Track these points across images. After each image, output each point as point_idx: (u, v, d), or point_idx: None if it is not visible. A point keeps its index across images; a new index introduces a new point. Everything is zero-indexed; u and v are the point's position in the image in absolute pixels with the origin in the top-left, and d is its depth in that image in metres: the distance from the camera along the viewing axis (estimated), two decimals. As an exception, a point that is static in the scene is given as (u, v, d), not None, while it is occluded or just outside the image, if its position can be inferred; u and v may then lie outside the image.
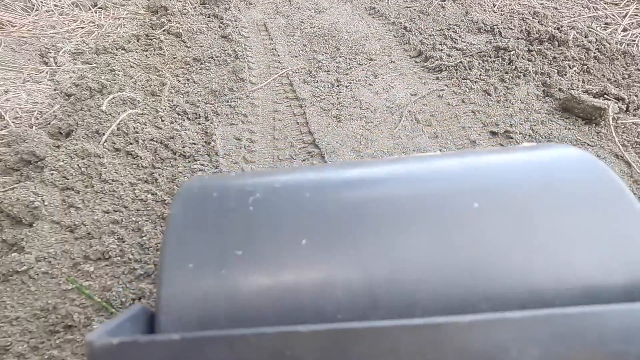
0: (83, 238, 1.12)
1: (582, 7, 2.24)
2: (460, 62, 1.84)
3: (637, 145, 1.36)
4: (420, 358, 0.29)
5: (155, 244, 1.12)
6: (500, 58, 1.85)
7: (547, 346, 0.29)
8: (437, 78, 1.81)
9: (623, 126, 1.44)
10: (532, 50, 1.86)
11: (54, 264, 1.05)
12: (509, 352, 0.29)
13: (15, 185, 1.23)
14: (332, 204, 0.39)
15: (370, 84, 1.79)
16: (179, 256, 0.35)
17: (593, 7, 2.23)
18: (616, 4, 2.25)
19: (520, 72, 1.75)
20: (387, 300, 0.33)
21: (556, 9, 2.24)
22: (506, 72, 1.77)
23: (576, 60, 1.77)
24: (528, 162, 0.42)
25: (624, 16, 2.11)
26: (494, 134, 1.48)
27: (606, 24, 2.08)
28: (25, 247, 1.07)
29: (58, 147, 1.38)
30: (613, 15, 2.14)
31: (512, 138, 1.44)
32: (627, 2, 2.25)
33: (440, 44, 2.01)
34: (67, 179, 1.26)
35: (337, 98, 1.71)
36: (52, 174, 1.26)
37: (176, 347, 0.29)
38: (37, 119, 1.57)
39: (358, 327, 0.29)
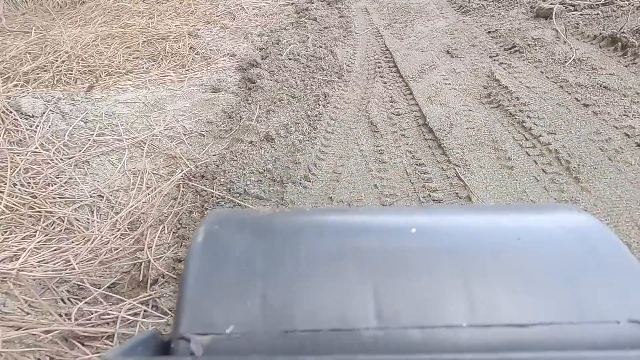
0: (282, 82, 2.60)
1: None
2: (482, 5, 3.00)
3: (568, 25, 2.40)
4: None
5: (318, 80, 2.54)
6: (509, -1, 2.96)
7: None
8: (465, 15, 2.99)
9: (565, 17, 2.48)
10: (532, -8, 2.94)
11: (270, 88, 2.53)
12: None
13: (250, 69, 2.79)
14: (354, 245, 0.39)
15: (423, 24, 3.05)
16: (199, 283, 0.36)
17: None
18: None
19: (518, 3, 2.85)
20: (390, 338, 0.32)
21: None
22: (509, 5, 2.88)
23: (558, -8, 2.80)
24: (534, 223, 0.43)
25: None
26: (488, 32, 2.63)
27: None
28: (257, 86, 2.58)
29: (264, 59, 2.94)
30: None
31: (498, 31, 2.57)
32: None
33: (474, -1, 3.18)
34: (270, 68, 2.77)
35: (403, 32, 3.01)
36: (263, 66, 2.79)
37: None
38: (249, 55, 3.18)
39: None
